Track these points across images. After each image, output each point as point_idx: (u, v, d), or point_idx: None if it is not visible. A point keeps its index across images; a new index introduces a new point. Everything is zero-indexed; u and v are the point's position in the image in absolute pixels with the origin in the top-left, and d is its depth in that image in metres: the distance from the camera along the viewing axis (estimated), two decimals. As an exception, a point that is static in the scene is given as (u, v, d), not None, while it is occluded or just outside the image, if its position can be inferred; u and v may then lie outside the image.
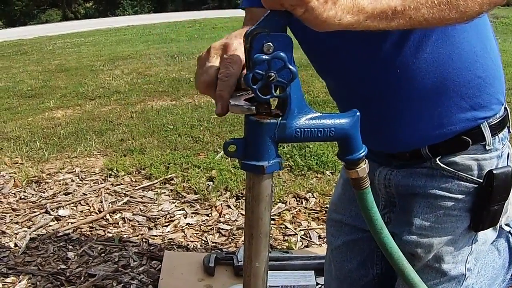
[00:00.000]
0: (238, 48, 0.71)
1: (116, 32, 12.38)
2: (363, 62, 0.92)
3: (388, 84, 0.91)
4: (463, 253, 0.97)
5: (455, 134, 0.92)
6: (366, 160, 0.80)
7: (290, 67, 0.70)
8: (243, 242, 2.07)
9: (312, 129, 0.76)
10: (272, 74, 0.69)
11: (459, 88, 0.88)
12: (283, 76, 0.70)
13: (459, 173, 0.93)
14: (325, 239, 2.09)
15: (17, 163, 3.14)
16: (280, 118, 0.74)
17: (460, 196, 0.94)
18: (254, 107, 0.71)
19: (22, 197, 2.61)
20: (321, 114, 0.77)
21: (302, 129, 0.76)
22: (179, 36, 10.66)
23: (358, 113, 0.79)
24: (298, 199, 2.44)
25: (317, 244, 2.06)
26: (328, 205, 2.35)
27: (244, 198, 2.47)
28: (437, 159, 0.94)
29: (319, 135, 0.77)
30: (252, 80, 0.69)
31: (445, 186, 0.94)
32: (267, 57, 0.69)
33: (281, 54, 0.69)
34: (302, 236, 2.12)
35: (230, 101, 0.70)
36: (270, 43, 0.69)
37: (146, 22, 14.61)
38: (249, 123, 0.74)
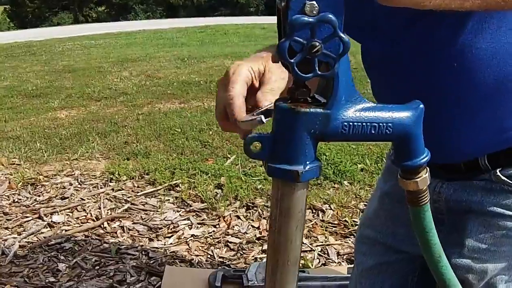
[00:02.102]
0: (238, 69, 0.63)
1: (127, 35, 12.30)
2: (414, 50, 0.77)
3: (442, 79, 0.76)
4: None
5: None
6: (428, 168, 0.63)
7: (342, 35, 0.51)
8: (253, 258, 1.87)
9: (364, 124, 0.57)
10: (317, 43, 0.50)
11: None
12: (330, 48, 0.51)
13: None
14: (345, 257, 1.90)
15: (14, 163, 2.97)
16: (323, 107, 0.55)
17: None
18: (263, 116, 0.57)
19: (16, 200, 2.43)
20: (375, 104, 0.58)
21: (351, 123, 0.56)
22: (190, 41, 10.55)
23: (421, 105, 0.60)
24: (314, 210, 2.24)
25: (335, 262, 1.86)
26: (346, 219, 2.17)
27: (255, 208, 2.28)
28: (498, 171, 0.81)
29: (373, 132, 0.57)
30: (289, 51, 0.50)
31: (505, 202, 0.82)
32: (311, 19, 0.49)
33: (330, 16, 0.50)
34: (319, 253, 1.91)
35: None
36: (314, 2, 0.50)
37: (158, 27, 14.52)
38: (280, 112, 0.55)
